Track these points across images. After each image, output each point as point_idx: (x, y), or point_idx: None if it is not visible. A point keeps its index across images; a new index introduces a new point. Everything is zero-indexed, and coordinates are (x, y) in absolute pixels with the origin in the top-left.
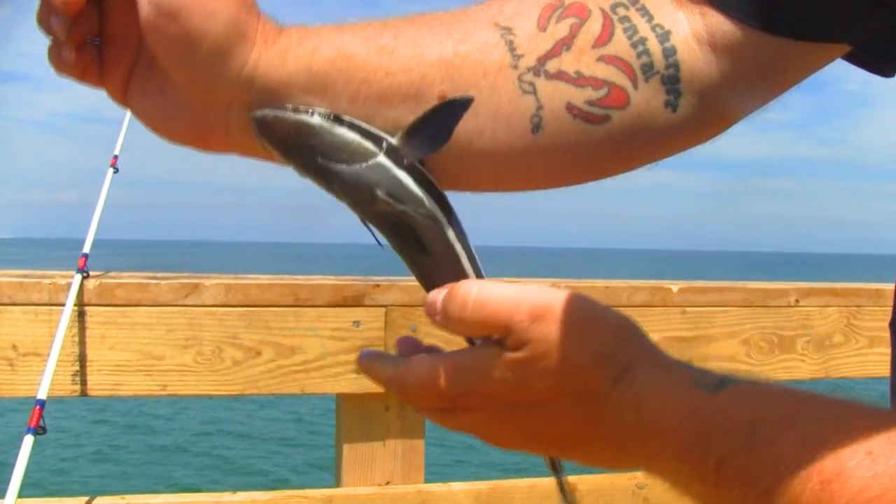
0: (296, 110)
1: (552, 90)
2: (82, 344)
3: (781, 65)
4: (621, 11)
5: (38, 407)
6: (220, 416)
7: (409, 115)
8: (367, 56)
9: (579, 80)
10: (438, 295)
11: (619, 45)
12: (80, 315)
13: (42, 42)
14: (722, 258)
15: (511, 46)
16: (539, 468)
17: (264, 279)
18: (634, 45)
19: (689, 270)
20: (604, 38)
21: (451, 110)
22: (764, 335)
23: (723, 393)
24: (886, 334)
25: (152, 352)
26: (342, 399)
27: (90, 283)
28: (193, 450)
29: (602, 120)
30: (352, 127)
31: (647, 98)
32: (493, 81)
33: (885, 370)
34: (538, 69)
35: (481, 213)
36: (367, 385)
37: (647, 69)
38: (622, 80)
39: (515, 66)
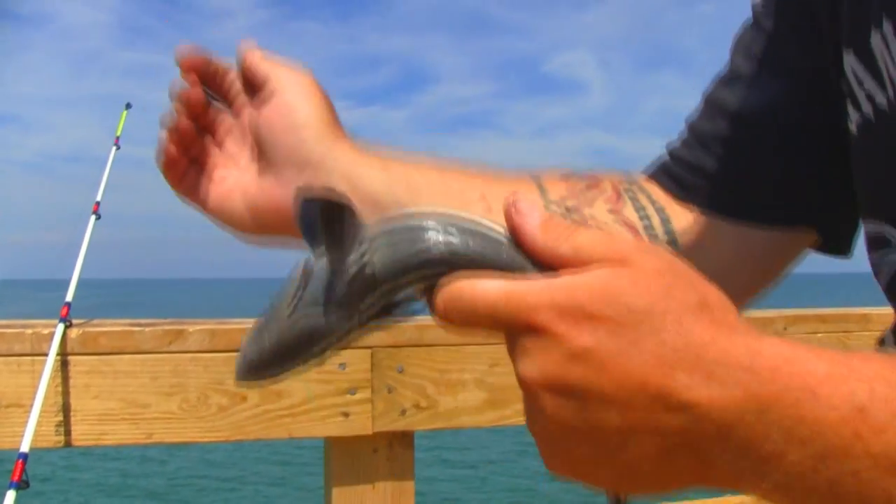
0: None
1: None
2: (66, 394)
3: (760, 252)
4: (626, 187)
5: (20, 460)
6: (208, 462)
7: None
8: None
9: (591, 222)
10: (534, 206)
11: (628, 210)
12: (64, 364)
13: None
14: None
15: (540, 185)
16: None
17: (249, 323)
18: (641, 217)
19: None
20: (614, 201)
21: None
22: None
23: (849, 352)
24: None
25: (137, 400)
26: (330, 442)
27: (73, 332)
28: (180, 497)
29: None
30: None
31: None
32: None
33: None
34: (560, 203)
35: None
36: (354, 428)
37: (650, 232)
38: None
39: (542, 198)
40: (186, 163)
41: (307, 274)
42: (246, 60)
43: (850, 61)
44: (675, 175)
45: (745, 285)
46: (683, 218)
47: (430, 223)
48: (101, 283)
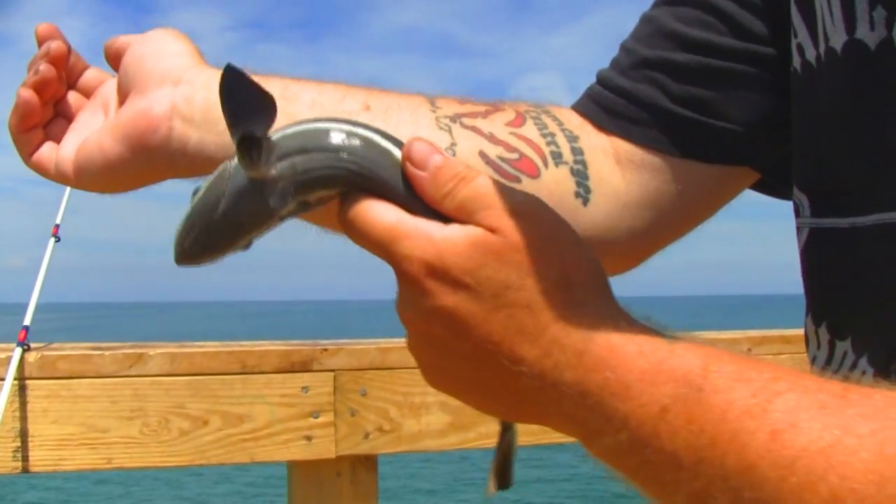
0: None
1: (467, 136)
2: (23, 419)
3: (688, 187)
4: (532, 114)
5: None
6: (169, 487)
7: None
8: (303, 87)
9: (492, 139)
10: (431, 153)
11: (530, 130)
12: (21, 389)
13: None
14: (669, 303)
15: (431, 101)
16: None
17: (210, 347)
18: (544, 136)
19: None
20: (516, 123)
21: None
22: None
23: (679, 341)
24: None
25: (96, 424)
26: (293, 466)
27: (31, 356)
28: None
29: (513, 179)
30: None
31: (557, 179)
32: (414, 111)
33: None
34: (455, 118)
35: None
36: (318, 452)
37: (556, 157)
38: (532, 154)
39: (433, 111)
40: (42, 121)
41: (227, 170)
42: (107, 44)
43: (793, 7)
44: (603, 102)
45: (673, 217)
46: (595, 141)
47: (343, 139)
48: (61, 306)
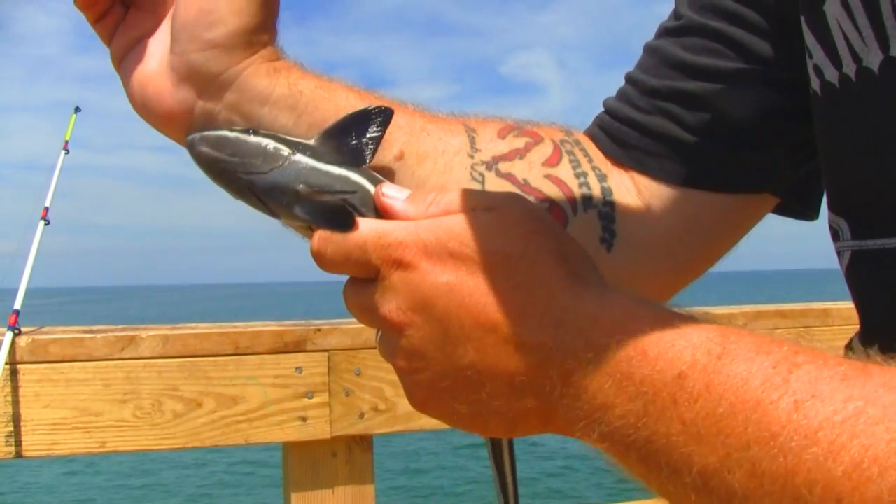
0: (217, 128)
1: (499, 186)
2: (16, 403)
3: (710, 218)
4: (567, 146)
5: None
6: (163, 469)
7: None
8: (345, 97)
9: (526, 188)
10: (397, 191)
11: (565, 171)
12: (13, 374)
13: None
14: None
15: (472, 140)
16: None
17: (202, 328)
18: (577, 176)
19: None
20: (553, 160)
21: (366, 118)
22: None
23: (691, 315)
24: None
25: (89, 408)
26: (288, 447)
27: (22, 341)
28: None
29: None
30: (268, 136)
31: (583, 226)
32: (449, 160)
33: None
34: (491, 165)
35: None
36: (312, 432)
37: (587, 201)
38: (564, 203)
39: (472, 156)
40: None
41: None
42: None
43: (805, 28)
44: (614, 134)
45: (697, 251)
46: (619, 179)
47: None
48: (52, 291)
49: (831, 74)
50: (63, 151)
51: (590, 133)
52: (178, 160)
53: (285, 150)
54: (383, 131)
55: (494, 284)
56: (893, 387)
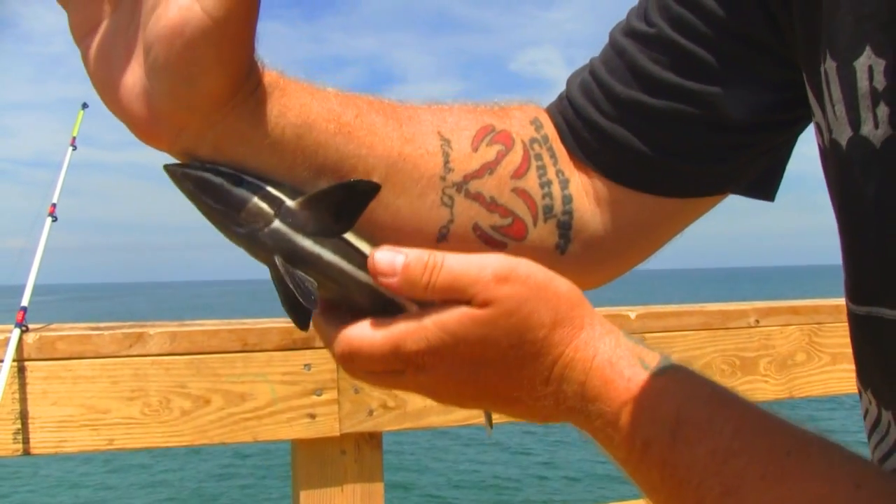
0: (201, 167)
1: (466, 208)
2: (23, 401)
3: (663, 217)
4: (536, 148)
5: None
6: (171, 466)
7: None
8: (325, 131)
9: (491, 206)
10: (394, 257)
11: (531, 182)
12: (21, 371)
13: None
14: (674, 276)
15: (446, 158)
16: None
17: (210, 325)
18: (542, 186)
19: (644, 291)
20: (521, 170)
21: (351, 191)
22: (725, 358)
23: (660, 379)
24: (848, 350)
25: (97, 405)
26: (297, 445)
27: (29, 337)
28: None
29: (499, 247)
30: (252, 187)
31: (542, 237)
32: (423, 189)
33: (849, 387)
34: (461, 186)
35: None
36: (321, 430)
37: (548, 211)
38: (526, 215)
39: (444, 179)
40: None
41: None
42: None
43: (806, 78)
44: (578, 134)
45: (646, 248)
46: (579, 181)
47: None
48: (59, 287)
49: (825, 137)
50: (70, 148)
51: (555, 123)
52: None
53: (267, 211)
54: (366, 205)
55: (503, 373)
56: (808, 478)
